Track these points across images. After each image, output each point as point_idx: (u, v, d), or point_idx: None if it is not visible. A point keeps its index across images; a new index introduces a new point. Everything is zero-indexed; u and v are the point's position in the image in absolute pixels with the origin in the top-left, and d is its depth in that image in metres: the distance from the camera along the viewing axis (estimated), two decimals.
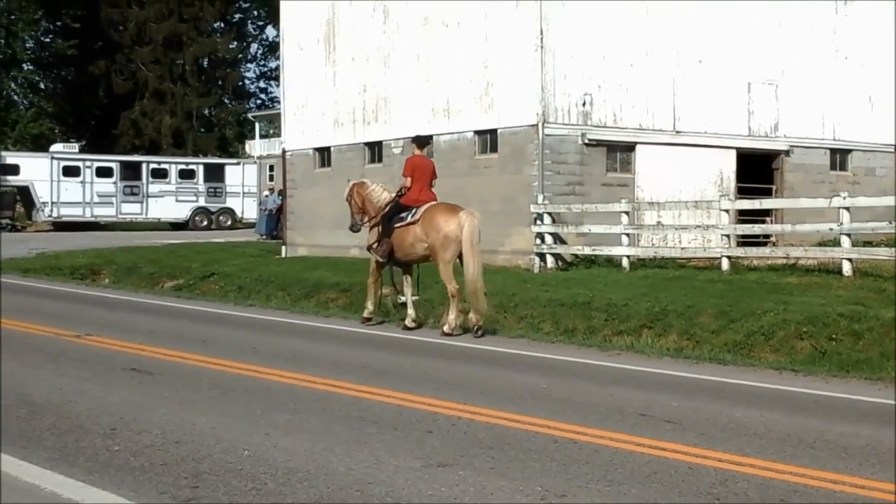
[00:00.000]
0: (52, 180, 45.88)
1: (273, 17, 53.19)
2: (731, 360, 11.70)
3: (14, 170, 45.83)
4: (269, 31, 73.42)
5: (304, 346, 12.85)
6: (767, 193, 24.11)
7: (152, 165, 49.45)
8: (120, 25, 63.71)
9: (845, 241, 17.24)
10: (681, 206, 21.27)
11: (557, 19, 21.37)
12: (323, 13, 27.66)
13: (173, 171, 49.28)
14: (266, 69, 77.33)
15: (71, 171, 46.58)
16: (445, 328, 13.56)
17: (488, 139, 22.84)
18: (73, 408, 8.32)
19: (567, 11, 21.51)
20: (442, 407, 8.46)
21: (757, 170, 24.39)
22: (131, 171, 48.45)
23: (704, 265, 19.71)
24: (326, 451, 6.88)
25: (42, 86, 69.77)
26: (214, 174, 50.07)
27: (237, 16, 73.39)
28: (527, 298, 15.84)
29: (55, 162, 46.49)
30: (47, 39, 68.47)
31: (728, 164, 23.74)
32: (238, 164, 52.14)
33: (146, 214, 48.41)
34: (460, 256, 13.69)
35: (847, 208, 17.36)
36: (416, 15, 24.52)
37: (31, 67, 67.83)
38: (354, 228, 15.14)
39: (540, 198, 21.05)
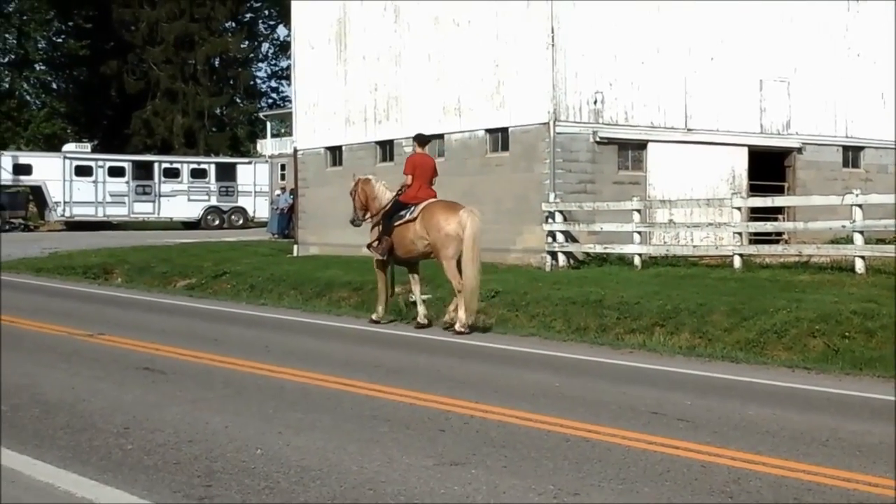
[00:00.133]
0: (64, 180, 46.09)
1: (284, 17, 53.29)
2: (744, 358, 11.66)
3: (27, 170, 46.05)
4: (281, 31, 73.76)
5: (317, 344, 12.85)
6: (780, 191, 24.05)
7: (164, 165, 49.62)
8: (132, 25, 63.96)
9: (858, 238, 17.19)
10: (693, 203, 21.24)
11: (568, 17, 21.34)
12: (334, 12, 27.69)
13: (185, 171, 49.45)
14: (277, 68, 77.70)
15: (83, 171, 46.79)
16: (458, 326, 13.53)
17: (499, 138, 22.83)
18: (86, 407, 8.35)
19: (578, 10, 21.48)
20: (454, 405, 8.46)
21: (769, 167, 24.33)
22: (143, 171, 48.65)
23: (716, 263, 19.68)
24: (339, 450, 6.89)
25: (54, 86, 70.06)
26: (226, 173, 50.22)
27: (248, 15, 73.62)
28: (538, 297, 15.82)
29: (68, 162, 46.70)
30: (59, 40, 68.74)
31: (740, 162, 23.69)
32: (250, 163, 52.26)
33: (158, 214, 48.60)
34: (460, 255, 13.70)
35: (860, 205, 17.33)
36: (427, 14, 24.53)
37: (43, 67, 68.13)
38: (355, 223, 15.26)
39: (551, 196, 21.03)
